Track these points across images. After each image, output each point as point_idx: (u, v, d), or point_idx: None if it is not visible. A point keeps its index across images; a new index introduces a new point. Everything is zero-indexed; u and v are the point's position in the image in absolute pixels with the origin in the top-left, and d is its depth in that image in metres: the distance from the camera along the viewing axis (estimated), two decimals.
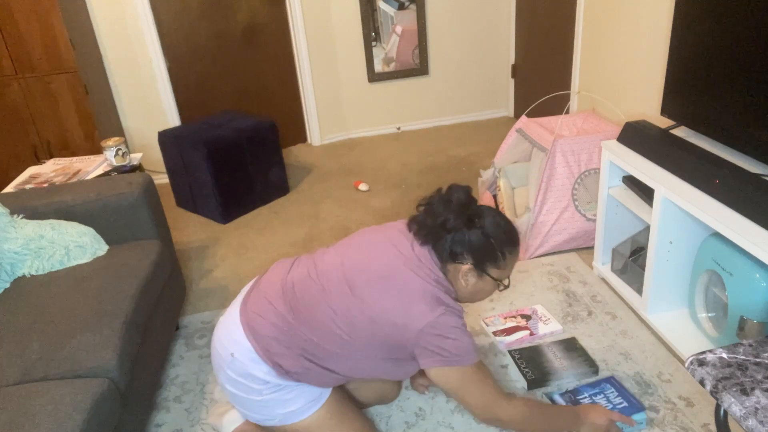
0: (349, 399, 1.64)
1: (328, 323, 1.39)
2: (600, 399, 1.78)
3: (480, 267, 1.41)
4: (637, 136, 2.11)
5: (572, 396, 1.81)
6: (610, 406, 1.75)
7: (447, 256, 1.41)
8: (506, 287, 1.49)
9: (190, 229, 3.27)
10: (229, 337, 1.46)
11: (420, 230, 1.42)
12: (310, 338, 1.40)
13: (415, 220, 1.45)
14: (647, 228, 2.31)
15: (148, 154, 3.91)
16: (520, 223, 2.63)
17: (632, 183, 2.17)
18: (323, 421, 1.51)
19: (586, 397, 1.80)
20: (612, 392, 1.80)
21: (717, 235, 1.83)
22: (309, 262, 1.51)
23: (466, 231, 1.38)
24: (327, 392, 1.54)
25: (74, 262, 2.01)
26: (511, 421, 1.42)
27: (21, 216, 2.06)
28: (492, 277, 1.44)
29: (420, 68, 4.33)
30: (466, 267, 1.40)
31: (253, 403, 1.47)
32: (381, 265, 1.40)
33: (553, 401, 1.80)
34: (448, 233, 1.39)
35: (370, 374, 1.48)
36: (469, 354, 1.37)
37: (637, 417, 1.70)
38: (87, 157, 2.83)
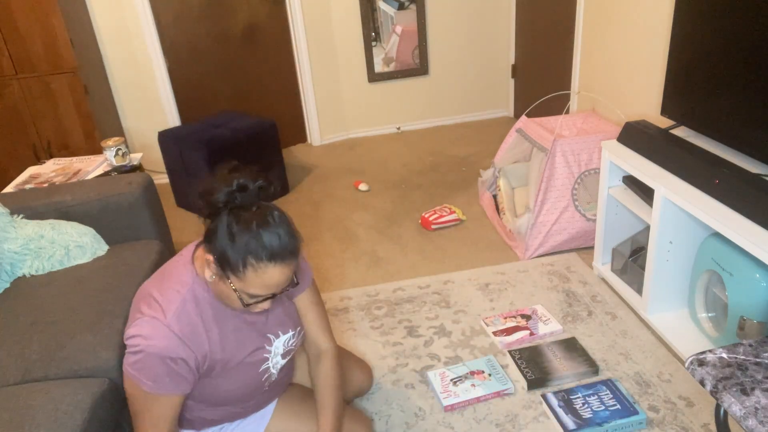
0: (303, 400, 1.57)
1: None
2: (593, 400, 1.79)
3: (219, 265, 1.13)
4: (637, 136, 2.11)
5: (566, 395, 1.81)
6: (603, 407, 1.75)
7: (205, 236, 1.16)
8: (246, 307, 1.17)
9: (190, 229, 3.26)
10: None
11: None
12: None
13: None
14: (647, 228, 2.31)
15: (148, 154, 3.90)
16: (520, 223, 2.63)
17: (632, 183, 2.17)
18: (281, 428, 1.50)
19: (579, 397, 1.80)
20: (606, 394, 1.80)
21: (717, 235, 1.83)
22: None
23: (219, 214, 1.12)
24: (269, 409, 1.51)
25: (74, 262, 2.01)
26: None
27: (21, 216, 2.06)
28: (231, 284, 1.15)
29: (420, 68, 4.33)
30: (210, 257, 1.15)
31: None
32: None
33: (547, 401, 1.81)
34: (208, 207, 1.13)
35: (233, 388, 1.35)
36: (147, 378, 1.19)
37: (636, 419, 1.70)
38: (87, 157, 2.83)
